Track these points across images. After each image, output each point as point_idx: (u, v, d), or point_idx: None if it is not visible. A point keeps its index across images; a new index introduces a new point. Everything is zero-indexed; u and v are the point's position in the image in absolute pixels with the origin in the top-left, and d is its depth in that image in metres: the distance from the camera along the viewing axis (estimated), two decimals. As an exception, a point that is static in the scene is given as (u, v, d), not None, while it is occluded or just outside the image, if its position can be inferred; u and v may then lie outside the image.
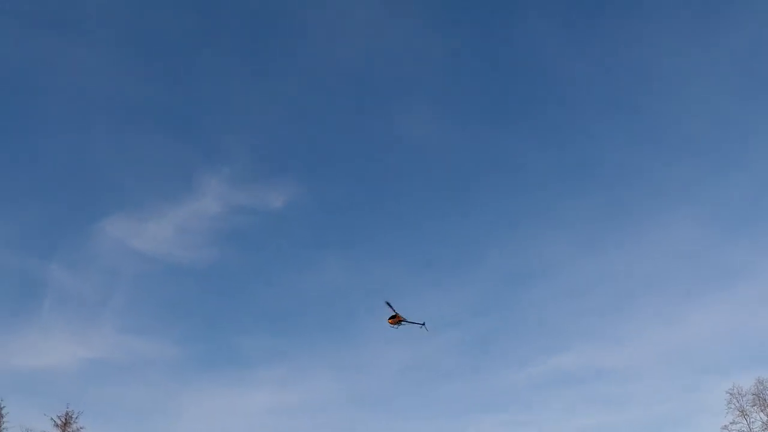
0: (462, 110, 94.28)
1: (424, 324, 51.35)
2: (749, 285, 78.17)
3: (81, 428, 43.37)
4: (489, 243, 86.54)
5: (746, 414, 49.78)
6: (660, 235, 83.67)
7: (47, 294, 73.05)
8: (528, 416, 69.13)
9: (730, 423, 49.99)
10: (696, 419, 74.37)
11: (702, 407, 66.34)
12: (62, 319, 72.31)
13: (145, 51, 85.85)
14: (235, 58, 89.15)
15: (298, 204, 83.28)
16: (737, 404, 50.22)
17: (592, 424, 66.55)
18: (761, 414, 49.35)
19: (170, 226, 79.41)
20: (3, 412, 42.19)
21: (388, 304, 50.04)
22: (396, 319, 51.19)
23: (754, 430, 49.42)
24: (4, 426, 41.94)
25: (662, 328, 77.58)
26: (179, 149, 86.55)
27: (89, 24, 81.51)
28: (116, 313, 74.75)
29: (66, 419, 43.08)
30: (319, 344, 77.62)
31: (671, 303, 79.36)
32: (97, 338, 71.91)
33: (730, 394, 50.62)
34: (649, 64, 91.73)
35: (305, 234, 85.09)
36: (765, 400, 49.51)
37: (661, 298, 79.83)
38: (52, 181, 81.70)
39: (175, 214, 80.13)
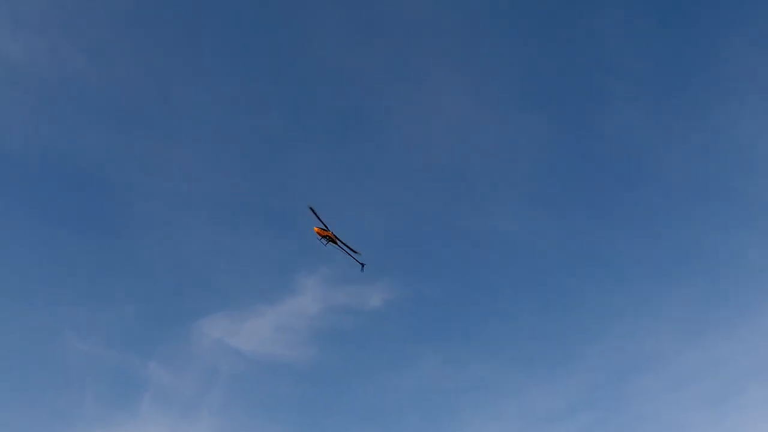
0: (555, 201, 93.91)
1: (363, 266, 50.14)
2: None
3: None
4: (589, 336, 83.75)
5: None
6: (765, 323, 79.79)
7: (146, 391, 73.84)
8: None
9: None
10: None
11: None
12: (161, 416, 72.53)
13: (240, 152, 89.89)
14: (329, 156, 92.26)
15: (395, 302, 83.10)
16: None
17: None
18: None
19: (269, 325, 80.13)
20: None
21: (312, 210, 47.59)
22: (325, 234, 48.90)
23: None
24: None
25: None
26: (277, 249, 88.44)
27: (185, 126, 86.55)
28: (214, 410, 74.55)
29: None
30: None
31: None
32: (193, 437, 71.92)
33: None
34: (745, 146, 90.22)
35: (403, 332, 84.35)
36: None
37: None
38: (152, 281, 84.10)
39: (274, 313, 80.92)
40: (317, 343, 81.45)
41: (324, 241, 49.17)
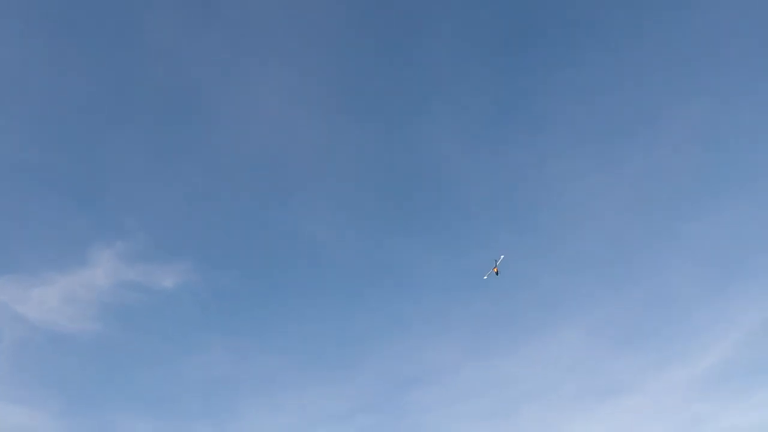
0: (359, 209, 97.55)
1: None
2: (634, 397, 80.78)
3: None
4: (377, 344, 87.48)
5: None
6: (550, 346, 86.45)
7: None
8: None
9: None
10: None
11: None
12: None
13: (53, 116, 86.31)
14: (144, 136, 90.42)
15: (189, 286, 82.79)
16: None
17: None
18: None
19: (58, 295, 77.26)
20: None
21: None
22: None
23: None
24: None
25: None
26: (76, 218, 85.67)
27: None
28: None
29: None
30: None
31: (557, 412, 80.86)
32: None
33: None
34: (551, 183, 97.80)
35: (193, 317, 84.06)
36: None
37: (547, 406, 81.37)
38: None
39: (64, 283, 78.24)
40: (104, 318, 79.49)
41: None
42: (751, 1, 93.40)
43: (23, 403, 70.12)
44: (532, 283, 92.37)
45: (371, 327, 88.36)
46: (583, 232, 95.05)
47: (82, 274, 78.91)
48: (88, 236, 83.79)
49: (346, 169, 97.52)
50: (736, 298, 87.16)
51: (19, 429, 67.81)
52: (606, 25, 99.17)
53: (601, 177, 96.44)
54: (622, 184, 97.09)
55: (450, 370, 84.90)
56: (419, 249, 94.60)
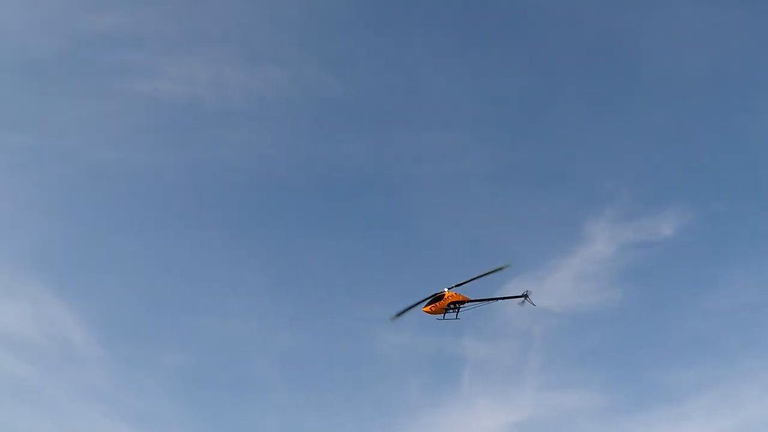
0: None
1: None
2: None
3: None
4: None
5: None
6: None
7: (465, 367, 73.06)
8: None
9: None
10: None
11: None
12: (482, 389, 71.40)
13: (495, 119, 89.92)
14: (586, 101, 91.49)
15: (687, 226, 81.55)
16: None
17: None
18: None
19: (569, 278, 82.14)
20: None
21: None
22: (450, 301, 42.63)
23: None
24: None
25: None
26: (559, 203, 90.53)
27: (435, 112, 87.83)
28: (533, 372, 72.71)
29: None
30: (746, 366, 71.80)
31: None
32: (519, 400, 70.53)
33: None
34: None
35: (703, 254, 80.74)
36: None
37: None
38: (435, 262, 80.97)
39: (570, 265, 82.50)
40: (619, 284, 78.04)
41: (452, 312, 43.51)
42: None
43: (566, 387, 72.40)
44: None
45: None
46: None
47: (584, 251, 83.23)
48: (575, 214, 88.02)
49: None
50: None
51: (567, 410, 70.56)
52: None
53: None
54: None
55: None
56: None
